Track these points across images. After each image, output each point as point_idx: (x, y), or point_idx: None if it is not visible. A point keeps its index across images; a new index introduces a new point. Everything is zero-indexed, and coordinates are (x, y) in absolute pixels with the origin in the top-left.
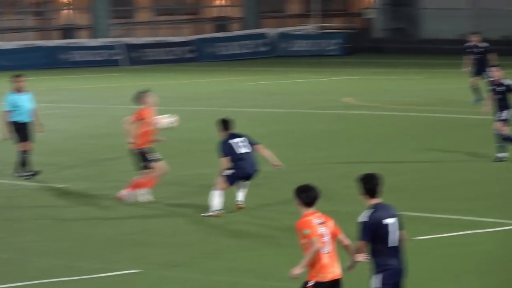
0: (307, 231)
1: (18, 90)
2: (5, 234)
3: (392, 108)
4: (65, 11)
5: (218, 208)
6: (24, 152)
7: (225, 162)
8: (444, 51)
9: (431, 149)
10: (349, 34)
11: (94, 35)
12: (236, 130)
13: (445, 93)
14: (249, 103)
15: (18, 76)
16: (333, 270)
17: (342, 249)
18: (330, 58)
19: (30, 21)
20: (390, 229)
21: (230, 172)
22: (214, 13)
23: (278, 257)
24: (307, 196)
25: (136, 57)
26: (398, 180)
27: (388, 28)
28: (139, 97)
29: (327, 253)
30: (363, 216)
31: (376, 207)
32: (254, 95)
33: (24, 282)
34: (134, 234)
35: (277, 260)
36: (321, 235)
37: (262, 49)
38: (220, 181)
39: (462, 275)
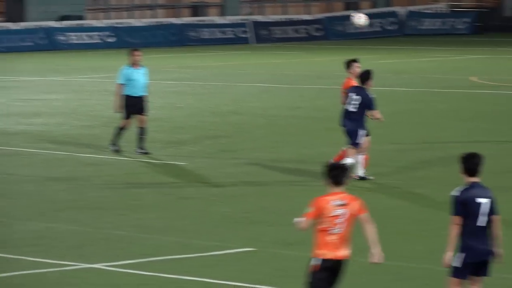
0: (307, 210)
1: (134, 64)
2: (124, 211)
3: None
4: None
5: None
6: (140, 127)
7: None
8: None
9: None
10: (480, 13)
11: (223, 13)
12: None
13: None
14: (377, 82)
15: (134, 50)
16: (337, 251)
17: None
18: (459, 36)
19: None
20: (482, 208)
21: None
22: None
23: (399, 236)
24: (334, 175)
25: (264, 35)
26: None
27: None
28: (348, 66)
29: (336, 233)
30: (456, 191)
31: (471, 185)
32: (382, 74)
33: (141, 259)
34: (250, 212)
35: (396, 239)
36: (335, 217)
37: (391, 27)
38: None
39: None
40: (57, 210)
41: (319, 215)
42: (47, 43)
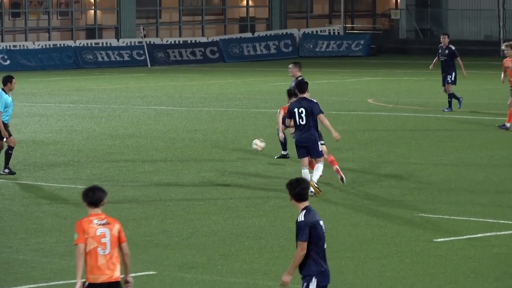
0: (75, 235)
1: (10, 91)
2: (24, 235)
3: (413, 109)
4: (91, 11)
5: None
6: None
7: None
8: (469, 52)
9: (453, 151)
10: (374, 35)
11: (119, 36)
12: (255, 131)
13: (469, 94)
14: (271, 104)
15: (13, 77)
16: (108, 272)
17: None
18: (354, 58)
19: (55, 21)
20: (323, 230)
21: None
22: (242, 13)
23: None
24: (91, 195)
25: (160, 58)
26: (417, 181)
27: (414, 29)
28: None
29: (105, 254)
30: (300, 216)
31: (308, 209)
32: (276, 96)
33: (42, 283)
34: (151, 235)
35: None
36: (100, 236)
37: (287, 49)
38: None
39: (479, 277)
40: None
41: (86, 237)
42: None
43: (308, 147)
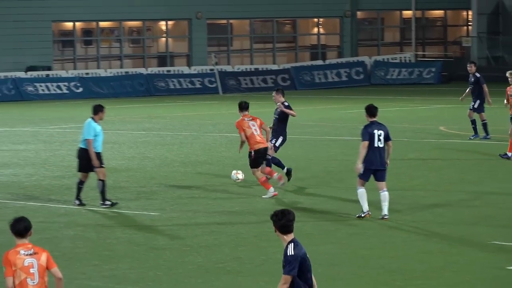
0: (4, 269)
1: (100, 120)
2: (97, 262)
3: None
4: (162, 39)
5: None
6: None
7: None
8: None
9: None
10: (445, 63)
11: (190, 63)
12: (327, 158)
13: None
14: (345, 131)
15: (103, 106)
16: None
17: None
18: (426, 86)
19: (127, 49)
20: (309, 261)
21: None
22: (313, 41)
23: (366, 287)
24: (17, 226)
25: (232, 85)
26: (490, 208)
27: (485, 57)
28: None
29: (34, 285)
30: (290, 250)
31: (295, 241)
32: (349, 124)
33: None
34: (224, 262)
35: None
36: (28, 266)
37: (358, 77)
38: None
39: None
40: None
41: (14, 270)
42: (15, 93)
43: (379, 170)
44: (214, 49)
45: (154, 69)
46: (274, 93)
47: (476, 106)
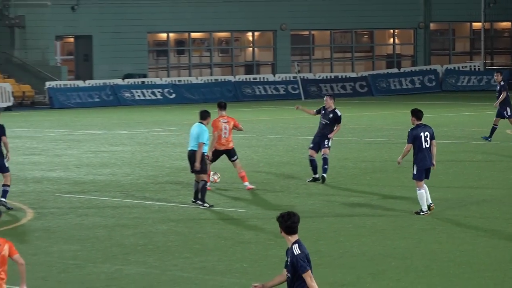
0: None
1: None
2: (188, 254)
3: None
4: (249, 49)
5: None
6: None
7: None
8: None
9: None
10: None
11: (275, 71)
12: (406, 159)
13: None
14: None
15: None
16: None
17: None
18: (494, 92)
19: (217, 58)
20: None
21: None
22: (389, 50)
23: (437, 279)
24: None
25: (313, 92)
26: None
27: None
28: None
29: None
30: (297, 250)
31: (299, 242)
32: None
33: None
34: None
35: (435, 283)
36: None
37: (430, 84)
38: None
39: None
40: (126, 253)
41: None
42: (113, 99)
43: (428, 169)
44: (297, 58)
45: (241, 77)
46: (327, 98)
47: (509, 113)
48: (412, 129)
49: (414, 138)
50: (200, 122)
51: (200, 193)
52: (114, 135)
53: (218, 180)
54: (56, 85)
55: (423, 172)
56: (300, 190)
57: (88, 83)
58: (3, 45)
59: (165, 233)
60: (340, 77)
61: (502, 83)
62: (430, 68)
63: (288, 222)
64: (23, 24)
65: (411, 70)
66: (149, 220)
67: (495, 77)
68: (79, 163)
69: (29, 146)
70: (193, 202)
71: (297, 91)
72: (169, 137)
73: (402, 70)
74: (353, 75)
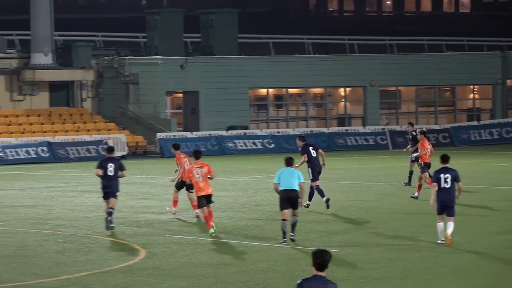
0: None
1: None
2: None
3: None
4: (341, 103)
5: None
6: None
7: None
8: None
9: None
10: None
11: (365, 123)
12: (481, 204)
13: None
14: (499, 182)
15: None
16: None
17: None
18: None
19: (312, 111)
20: None
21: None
22: (469, 105)
23: None
24: None
25: (400, 142)
26: None
27: None
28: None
29: None
30: (300, 279)
31: (313, 278)
32: (504, 175)
33: None
34: None
35: None
36: None
37: (508, 135)
38: None
39: None
40: None
41: None
42: (218, 149)
43: (447, 206)
44: (385, 112)
45: (334, 129)
46: (407, 125)
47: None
48: (436, 171)
49: (436, 179)
50: (290, 167)
51: (292, 227)
52: (218, 182)
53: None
54: (166, 136)
55: (440, 208)
56: (387, 232)
57: (195, 134)
58: (119, 100)
59: (265, 271)
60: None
61: (414, 133)
62: (508, 121)
63: (319, 260)
64: (137, 81)
65: (490, 123)
66: (250, 259)
67: (407, 127)
68: (187, 207)
69: (142, 191)
70: (291, 240)
71: (385, 142)
72: (268, 183)
73: (481, 122)
74: (437, 127)
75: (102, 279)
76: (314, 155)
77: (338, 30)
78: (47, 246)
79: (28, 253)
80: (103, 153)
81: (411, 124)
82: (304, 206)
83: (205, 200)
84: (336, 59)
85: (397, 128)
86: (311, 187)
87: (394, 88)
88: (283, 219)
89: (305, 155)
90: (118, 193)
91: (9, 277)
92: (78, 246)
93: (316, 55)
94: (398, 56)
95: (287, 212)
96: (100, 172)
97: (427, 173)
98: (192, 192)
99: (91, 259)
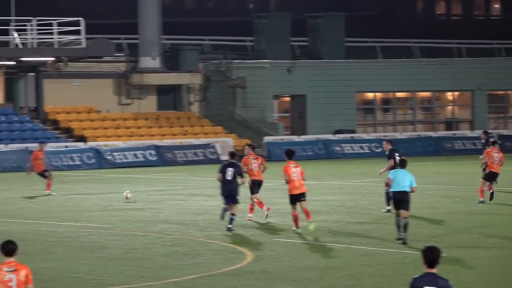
0: None
1: None
2: None
3: None
4: (449, 107)
5: None
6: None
7: None
8: None
9: None
10: None
11: (473, 127)
12: None
13: None
14: None
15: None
16: None
17: None
18: None
19: (419, 115)
20: None
21: None
22: None
23: None
24: (5, 247)
25: (509, 146)
26: None
27: None
28: None
29: None
30: (412, 277)
31: (425, 275)
32: None
33: None
34: None
35: None
36: (8, 281)
37: None
38: None
39: None
40: None
41: None
42: (325, 152)
43: None
44: (493, 116)
45: (441, 133)
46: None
47: None
48: None
49: None
50: (403, 169)
51: (404, 227)
52: (325, 185)
53: (129, 197)
54: (273, 139)
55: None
56: (496, 235)
57: (302, 138)
58: (226, 104)
59: (372, 275)
60: None
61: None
62: None
63: (430, 257)
64: (244, 85)
65: None
66: (357, 263)
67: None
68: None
69: (248, 195)
70: (401, 239)
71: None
72: (375, 187)
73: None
74: None
75: (209, 282)
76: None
77: (446, 33)
78: (154, 249)
79: (136, 256)
80: (210, 156)
81: (485, 132)
82: (385, 211)
83: (298, 199)
84: (443, 63)
85: (505, 132)
86: (386, 193)
87: (502, 92)
88: (397, 216)
89: (392, 160)
90: (238, 197)
91: (117, 279)
92: (185, 249)
93: (424, 59)
94: (506, 59)
95: (399, 212)
96: (219, 176)
97: (487, 182)
98: (256, 193)
99: (199, 262)
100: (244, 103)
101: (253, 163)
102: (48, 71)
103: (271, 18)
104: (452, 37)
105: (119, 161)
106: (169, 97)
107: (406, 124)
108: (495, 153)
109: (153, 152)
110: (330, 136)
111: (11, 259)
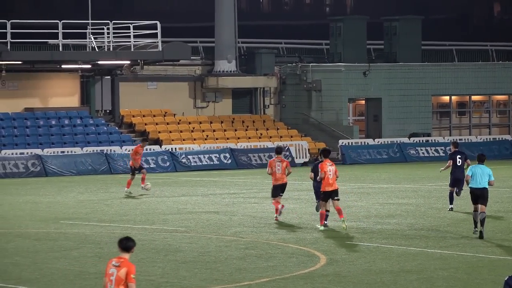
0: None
1: None
2: None
3: None
4: None
5: None
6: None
7: None
8: None
9: None
10: None
11: None
12: None
13: None
14: None
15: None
16: None
17: None
18: None
19: (495, 118)
20: None
21: None
22: None
23: None
24: (124, 243)
25: None
26: None
27: None
28: None
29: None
30: (507, 276)
31: None
32: None
33: None
34: None
35: None
36: (110, 274)
37: None
38: None
39: None
40: None
41: (106, 274)
42: (400, 156)
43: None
44: None
45: None
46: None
47: None
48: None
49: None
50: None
51: (480, 223)
52: (400, 189)
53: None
54: (348, 143)
55: None
56: None
57: (377, 141)
58: (302, 107)
59: (446, 278)
60: None
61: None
62: None
63: None
64: (320, 88)
65: None
66: (431, 267)
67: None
68: (368, 214)
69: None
70: (479, 233)
71: None
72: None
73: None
74: None
75: (283, 285)
76: (459, 163)
77: None
78: (228, 252)
79: (209, 258)
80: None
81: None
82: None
83: (331, 195)
84: None
85: None
86: (450, 192)
87: None
88: (474, 211)
89: (450, 161)
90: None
91: (191, 282)
92: (259, 252)
93: (500, 62)
94: None
95: (477, 206)
96: (312, 175)
97: None
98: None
99: (272, 265)
100: (319, 106)
101: (277, 165)
102: (124, 75)
103: (347, 21)
104: None
105: (194, 164)
106: (244, 100)
107: (482, 127)
108: None
109: (227, 155)
110: (405, 139)
111: (125, 255)
